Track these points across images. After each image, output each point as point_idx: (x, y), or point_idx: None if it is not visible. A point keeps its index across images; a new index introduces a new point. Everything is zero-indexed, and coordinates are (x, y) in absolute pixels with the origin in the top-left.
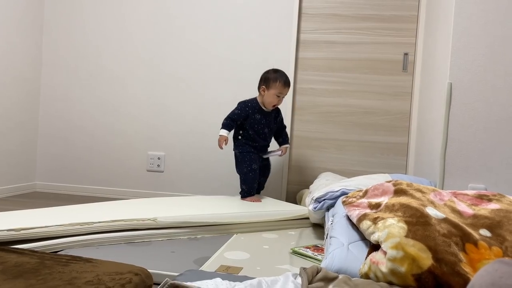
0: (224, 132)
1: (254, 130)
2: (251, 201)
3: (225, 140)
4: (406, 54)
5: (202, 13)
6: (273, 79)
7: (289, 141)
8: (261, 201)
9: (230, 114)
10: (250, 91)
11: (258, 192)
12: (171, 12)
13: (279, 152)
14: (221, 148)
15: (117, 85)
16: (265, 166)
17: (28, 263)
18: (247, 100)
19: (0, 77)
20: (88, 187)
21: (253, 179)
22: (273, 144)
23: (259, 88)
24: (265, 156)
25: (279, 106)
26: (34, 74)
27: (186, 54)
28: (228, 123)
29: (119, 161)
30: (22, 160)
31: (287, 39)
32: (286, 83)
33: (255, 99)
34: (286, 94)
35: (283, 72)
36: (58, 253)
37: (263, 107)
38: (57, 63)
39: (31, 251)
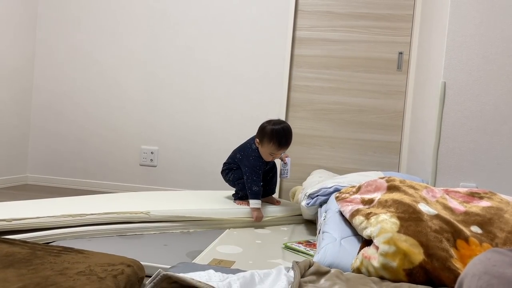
0: (258, 204)
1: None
2: (239, 204)
3: (262, 216)
4: (400, 53)
5: (197, 9)
6: (268, 137)
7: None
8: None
9: (252, 175)
10: (244, 86)
11: (271, 192)
12: (166, 7)
13: (288, 163)
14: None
15: (110, 79)
16: (270, 169)
17: (19, 253)
18: (253, 156)
19: None
20: (80, 180)
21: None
22: None
23: (256, 137)
24: (283, 177)
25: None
26: (27, 67)
27: (180, 49)
28: (259, 191)
29: (112, 155)
30: (14, 152)
31: (283, 36)
32: (281, 145)
33: (256, 149)
34: (281, 153)
35: (284, 129)
36: (50, 244)
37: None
38: (50, 56)
39: (23, 242)
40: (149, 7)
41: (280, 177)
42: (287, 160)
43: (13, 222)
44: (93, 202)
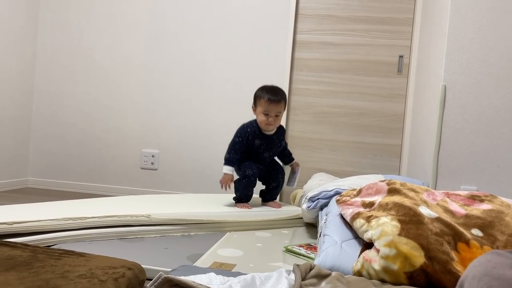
0: (228, 169)
1: (253, 157)
2: (240, 207)
3: (231, 180)
4: (401, 56)
5: (198, 12)
6: (259, 95)
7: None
8: (251, 208)
9: (231, 144)
10: (245, 90)
11: (271, 199)
12: (167, 11)
13: (297, 172)
14: (225, 189)
15: (111, 82)
16: (276, 170)
17: (20, 256)
18: (246, 123)
19: None
20: (81, 183)
21: (245, 186)
22: None
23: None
24: (290, 185)
25: (283, 129)
26: (28, 71)
27: (181, 53)
28: (231, 157)
29: (113, 158)
30: (15, 156)
31: (283, 40)
32: (270, 99)
33: (254, 121)
34: (276, 113)
35: (274, 87)
36: (51, 247)
37: (263, 130)
38: (51, 60)
39: (24, 245)
40: (150, 11)
41: (286, 184)
42: (297, 169)
43: (14, 225)
44: (94, 205)
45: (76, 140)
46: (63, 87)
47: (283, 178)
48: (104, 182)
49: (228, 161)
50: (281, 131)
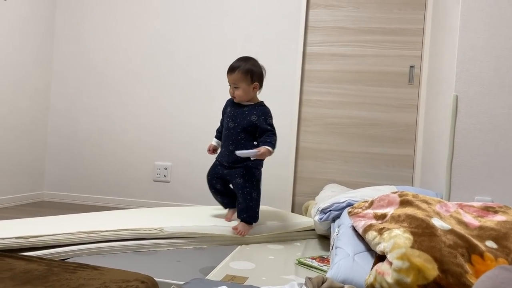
0: (214, 141)
1: (223, 126)
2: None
3: (210, 147)
4: (412, 66)
5: (209, 26)
6: None
7: (273, 146)
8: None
9: None
10: None
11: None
12: (179, 26)
13: (252, 152)
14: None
15: (124, 97)
16: (228, 182)
17: (36, 270)
18: None
19: (11, 88)
20: (95, 196)
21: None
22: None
23: None
24: (239, 154)
25: (265, 109)
26: (44, 85)
27: (193, 66)
28: (218, 128)
29: (126, 171)
30: (31, 170)
31: (293, 52)
32: (228, 69)
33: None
34: (233, 82)
35: (241, 57)
36: (66, 260)
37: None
38: (67, 74)
39: (40, 258)
40: (163, 27)
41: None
42: (253, 152)
43: (30, 239)
44: (108, 218)
45: (90, 154)
46: (78, 103)
47: (238, 184)
48: (118, 194)
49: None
50: (259, 108)
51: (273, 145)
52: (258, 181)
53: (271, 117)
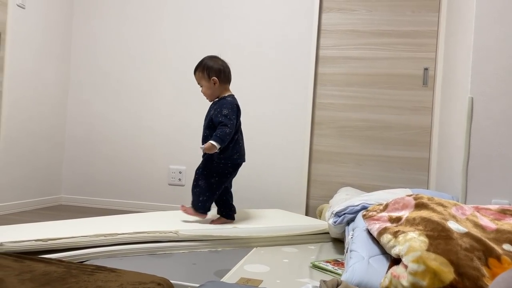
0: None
1: None
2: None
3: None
4: (426, 69)
5: (223, 31)
6: None
7: (218, 138)
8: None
9: None
10: (270, 106)
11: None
12: (193, 30)
13: (201, 148)
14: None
15: (140, 101)
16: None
17: (55, 272)
18: None
19: (30, 95)
20: (111, 200)
21: None
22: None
23: None
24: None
25: (223, 101)
26: (62, 91)
27: None
28: None
29: (141, 175)
30: (49, 174)
31: (306, 55)
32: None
33: None
34: (198, 82)
35: (204, 57)
36: (84, 263)
37: None
38: (83, 81)
39: (58, 261)
40: (177, 33)
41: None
42: (201, 148)
43: (49, 242)
44: (124, 221)
45: (106, 159)
46: (94, 109)
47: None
48: (133, 198)
49: None
50: (219, 102)
51: (218, 138)
52: (210, 172)
53: (227, 108)
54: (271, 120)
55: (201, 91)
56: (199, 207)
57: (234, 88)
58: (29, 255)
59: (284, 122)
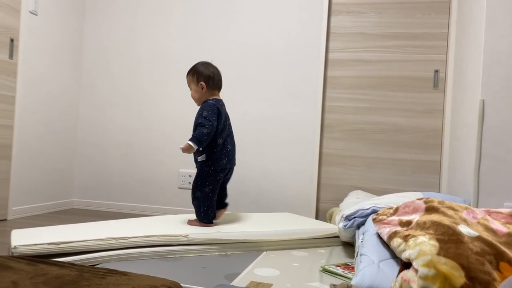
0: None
1: None
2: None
3: None
4: (436, 71)
5: (231, 34)
6: None
7: (195, 139)
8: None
9: None
10: (279, 109)
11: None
12: (202, 34)
13: (181, 148)
14: None
15: (150, 105)
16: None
17: (68, 275)
18: None
19: (43, 99)
20: (122, 204)
21: None
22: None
23: None
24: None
25: (205, 104)
26: (74, 96)
27: None
28: None
29: (152, 179)
30: (61, 178)
31: (315, 59)
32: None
33: None
34: (188, 85)
35: (197, 62)
36: (96, 266)
37: None
38: (95, 86)
39: (71, 264)
40: (187, 37)
41: None
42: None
43: (61, 245)
44: (135, 225)
45: (117, 163)
46: (105, 114)
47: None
48: (144, 201)
49: None
50: (201, 106)
51: (195, 138)
52: (205, 180)
53: (207, 110)
54: (281, 124)
55: (190, 95)
56: (203, 217)
57: (243, 92)
58: (42, 259)
59: (293, 125)
